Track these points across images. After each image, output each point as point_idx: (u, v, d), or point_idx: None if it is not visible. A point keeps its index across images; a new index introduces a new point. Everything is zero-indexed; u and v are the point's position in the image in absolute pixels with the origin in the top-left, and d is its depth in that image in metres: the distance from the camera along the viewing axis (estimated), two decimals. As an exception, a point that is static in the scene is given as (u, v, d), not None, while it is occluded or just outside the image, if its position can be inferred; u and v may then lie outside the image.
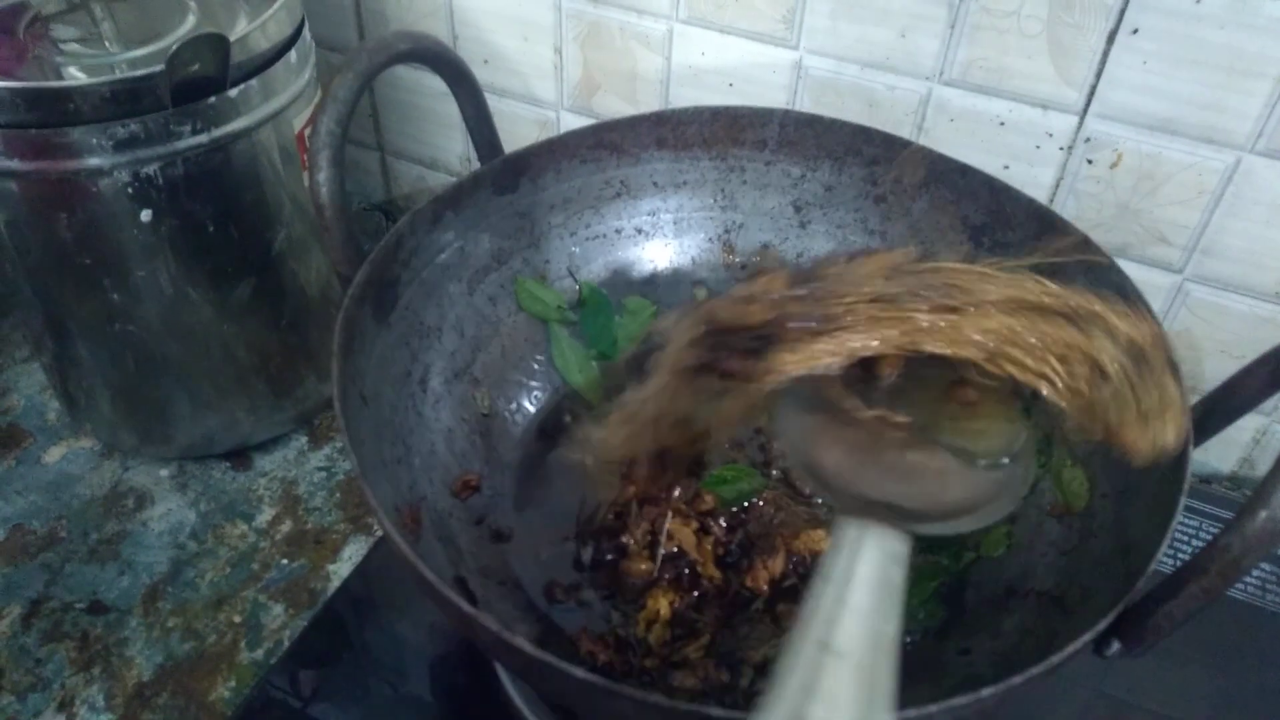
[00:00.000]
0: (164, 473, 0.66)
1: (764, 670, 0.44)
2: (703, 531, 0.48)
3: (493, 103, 0.73)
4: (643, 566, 0.48)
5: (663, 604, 0.45)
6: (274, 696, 0.51)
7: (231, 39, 0.52)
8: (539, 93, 0.72)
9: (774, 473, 0.53)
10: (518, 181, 0.54)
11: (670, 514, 0.49)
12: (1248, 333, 0.59)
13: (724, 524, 0.50)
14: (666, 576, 0.47)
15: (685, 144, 0.57)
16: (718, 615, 0.46)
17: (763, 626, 0.45)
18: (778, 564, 0.46)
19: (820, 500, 0.51)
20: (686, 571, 0.48)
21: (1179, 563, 0.56)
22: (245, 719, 0.51)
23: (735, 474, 0.53)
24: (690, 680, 0.42)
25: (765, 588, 0.46)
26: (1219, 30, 0.50)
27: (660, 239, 0.60)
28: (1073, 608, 0.40)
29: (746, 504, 0.52)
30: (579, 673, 0.31)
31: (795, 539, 0.48)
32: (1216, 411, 0.42)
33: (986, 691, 0.31)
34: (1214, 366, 0.60)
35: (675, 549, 0.48)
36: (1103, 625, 0.33)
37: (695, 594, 0.47)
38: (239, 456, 0.67)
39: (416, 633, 0.54)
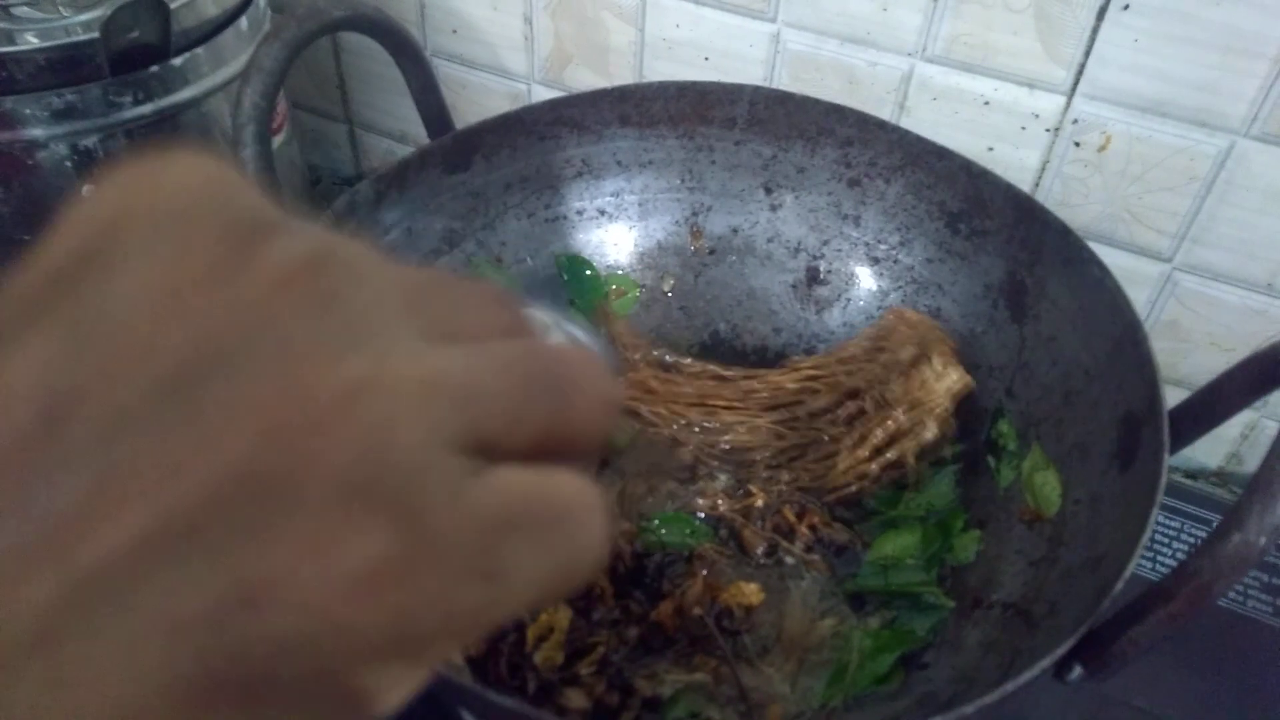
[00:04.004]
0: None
1: (653, 706, 0.40)
2: None
3: (462, 75, 0.71)
4: None
5: (559, 619, 0.41)
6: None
7: (173, 4, 0.49)
8: (509, 65, 0.69)
9: (722, 532, 0.48)
10: (470, 159, 0.52)
11: None
12: (1238, 325, 0.57)
13: (635, 546, 0.45)
14: None
15: (650, 121, 0.55)
16: (618, 635, 0.42)
17: (667, 663, 0.41)
18: (690, 597, 0.42)
19: (766, 563, 0.47)
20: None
21: (1158, 566, 0.54)
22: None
23: (675, 521, 0.48)
24: (580, 700, 0.39)
25: (670, 621, 0.42)
26: (1215, 7, 0.47)
27: (624, 221, 0.57)
28: (1038, 622, 0.38)
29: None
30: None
31: (724, 590, 0.44)
32: (1199, 415, 0.40)
33: (935, 721, 0.29)
34: (1203, 359, 0.58)
35: None
36: (1063, 649, 0.31)
37: (586, 604, 0.43)
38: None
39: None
